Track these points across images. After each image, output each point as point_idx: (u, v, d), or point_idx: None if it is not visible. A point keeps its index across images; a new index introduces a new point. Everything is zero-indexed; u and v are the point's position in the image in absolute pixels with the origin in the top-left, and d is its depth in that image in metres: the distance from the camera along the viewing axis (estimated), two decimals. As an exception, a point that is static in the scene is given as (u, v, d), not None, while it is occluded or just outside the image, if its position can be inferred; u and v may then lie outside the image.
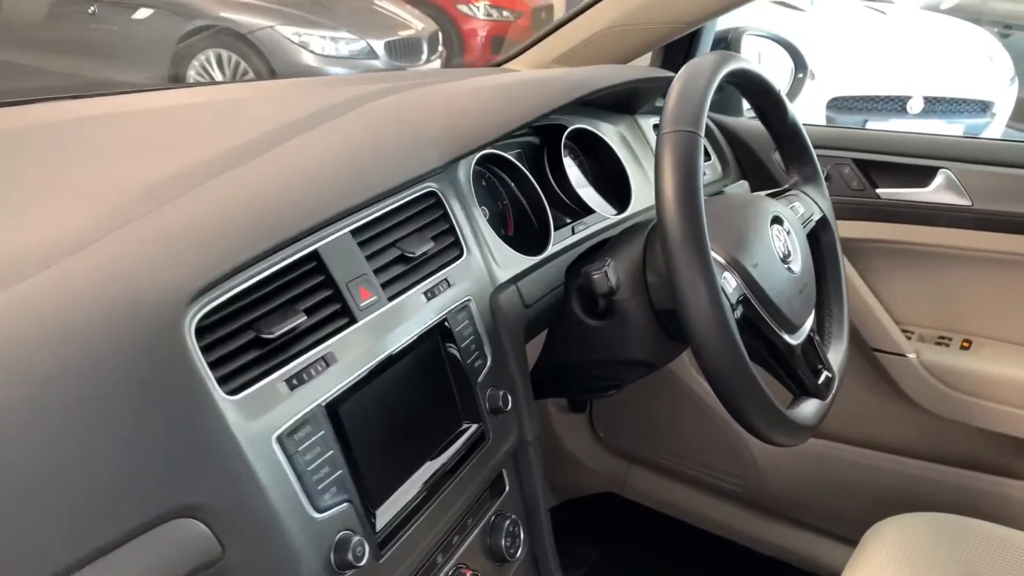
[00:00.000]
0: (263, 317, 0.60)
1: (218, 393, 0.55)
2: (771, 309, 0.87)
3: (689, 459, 1.53)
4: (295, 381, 0.60)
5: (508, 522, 0.82)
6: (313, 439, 0.60)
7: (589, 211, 1.05)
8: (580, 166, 1.13)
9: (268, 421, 0.57)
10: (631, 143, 1.19)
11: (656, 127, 1.15)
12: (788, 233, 0.94)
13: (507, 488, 0.85)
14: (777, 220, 0.93)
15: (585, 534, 1.62)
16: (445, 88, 1.00)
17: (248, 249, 0.59)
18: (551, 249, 0.96)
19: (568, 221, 1.03)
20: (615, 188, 1.14)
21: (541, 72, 1.22)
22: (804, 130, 1.00)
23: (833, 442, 1.37)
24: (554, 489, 1.69)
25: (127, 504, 0.48)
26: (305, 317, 0.62)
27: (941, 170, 1.22)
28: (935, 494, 1.26)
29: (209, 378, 0.54)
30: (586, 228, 1.04)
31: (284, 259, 0.62)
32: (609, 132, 1.15)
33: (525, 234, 0.99)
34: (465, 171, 0.87)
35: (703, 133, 0.76)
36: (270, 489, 0.56)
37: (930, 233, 1.24)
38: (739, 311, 0.84)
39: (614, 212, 1.11)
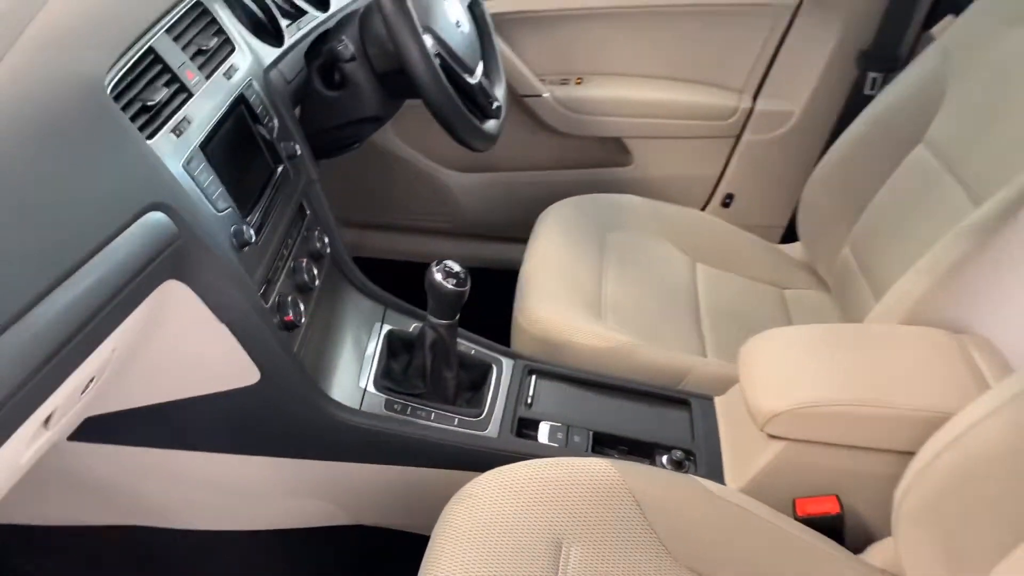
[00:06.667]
0: (142, 92, 0.87)
1: (142, 136, 0.83)
2: (456, 58, 1.28)
3: (408, 211, 1.96)
4: (177, 132, 0.89)
5: (317, 231, 1.18)
6: (200, 167, 0.91)
7: (303, 12, 1.36)
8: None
9: (175, 154, 0.87)
10: None
11: None
12: (454, 5, 1.34)
13: (308, 212, 1.20)
14: None
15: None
16: None
17: (118, 46, 0.85)
18: (288, 41, 1.26)
19: (291, 22, 1.33)
20: None
21: None
22: None
23: (504, 172, 1.89)
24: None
25: (111, 208, 0.77)
26: (166, 90, 0.90)
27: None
28: (578, 189, 1.83)
29: (133, 126, 0.82)
30: (308, 23, 1.35)
31: (134, 56, 0.88)
32: None
33: (271, 31, 1.28)
34: None
35: None
36: (191, 192, 0.87)
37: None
38: (439, 61, 1.24)
39: (321, 12, 1.42)
